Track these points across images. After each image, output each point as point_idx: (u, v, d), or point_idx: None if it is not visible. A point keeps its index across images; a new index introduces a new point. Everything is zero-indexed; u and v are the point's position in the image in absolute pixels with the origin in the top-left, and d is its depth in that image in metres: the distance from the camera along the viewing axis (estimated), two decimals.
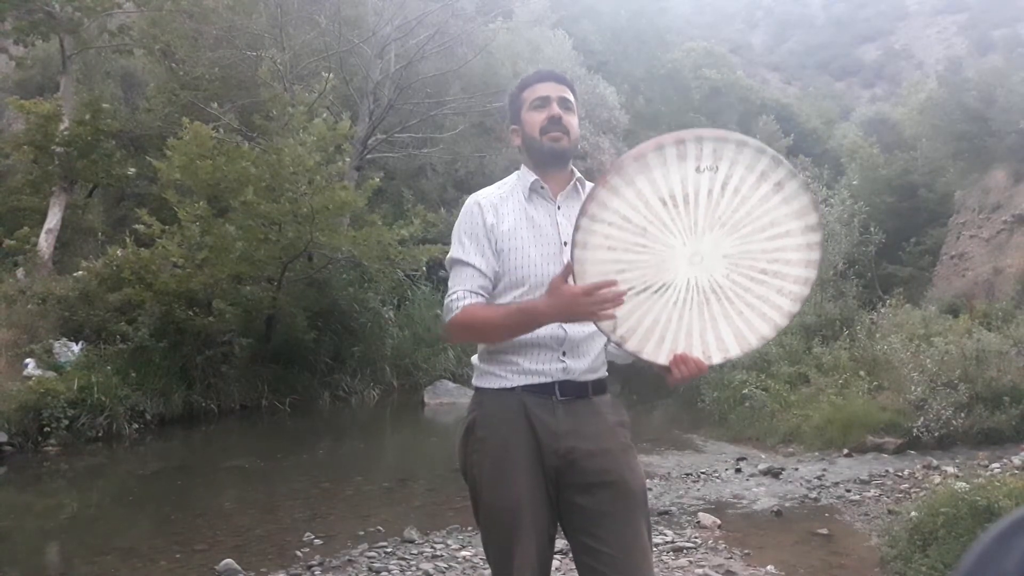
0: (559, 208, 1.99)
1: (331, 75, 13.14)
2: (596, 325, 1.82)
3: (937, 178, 18.24)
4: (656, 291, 1.79)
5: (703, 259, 1.78)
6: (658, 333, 1.82)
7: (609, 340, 1.89)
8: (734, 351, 1.85)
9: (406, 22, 15.33)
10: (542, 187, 2.00)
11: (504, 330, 1.90)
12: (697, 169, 1.72)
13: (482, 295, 1.93)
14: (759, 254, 1.79)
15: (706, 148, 1.71)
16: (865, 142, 20.85)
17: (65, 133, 11.51)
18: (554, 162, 2.01)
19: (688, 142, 1.71)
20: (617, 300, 1.73)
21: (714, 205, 1.75)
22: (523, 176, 2.03)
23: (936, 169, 18.07)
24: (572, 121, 2.01)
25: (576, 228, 1.75)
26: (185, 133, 10.47)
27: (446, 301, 1.96)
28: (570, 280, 1.78)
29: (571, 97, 2.03)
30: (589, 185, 1.95)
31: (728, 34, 55.75)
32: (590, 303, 1.73)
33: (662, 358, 1.83)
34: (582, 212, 1.75)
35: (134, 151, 13.63)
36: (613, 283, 1.72)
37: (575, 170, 2.06)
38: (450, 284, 1.97)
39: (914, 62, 50.55)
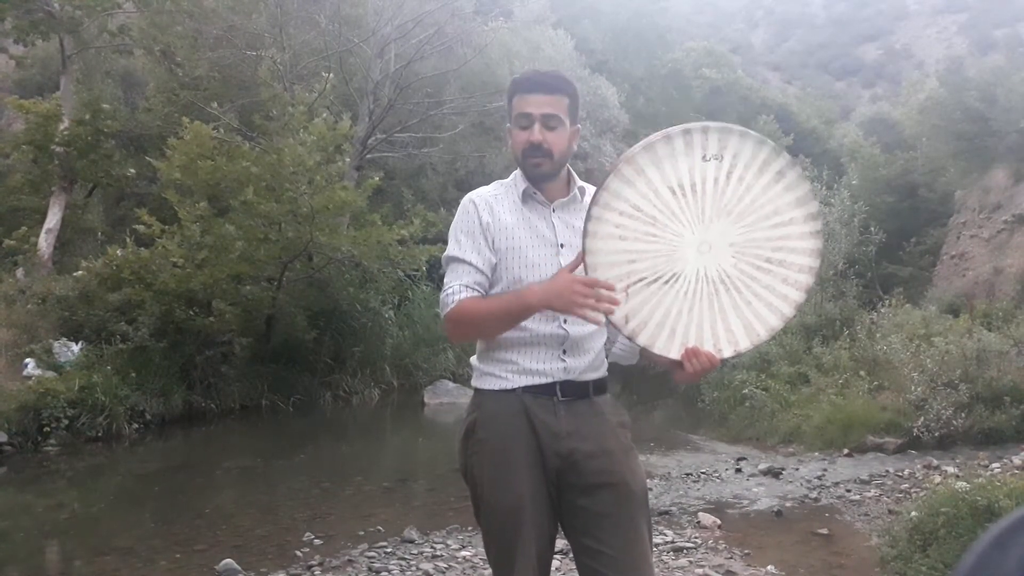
0: (554, 211, 1.99)
1: (331, 75, 13.14)
2: (608, 319, 1.82)
3: (937, 178, 18.22)
4: (667, 281, 1.81)
5: (711, 248, 1.81)
6: (669, 326, 1.83)
7: (620, 334, 1.89)
8: (744, 344, 1.86)
9: (406, 22, 15.33)
10: (534, 193, 2.00)
11: (499, 317, 1.89)
12: (703, 158, 1.77)
13: (477, 290, 1.93)
14: (764, 242, 1.82)
15: (711, 138, 1.77)
16: (865, 142, 20.85)
17: (65, 133, 11.51)
18: (540, 182, 1.99)
19: (694, 132, 1.76)
20: (611, 304, 1.74)
21: (720, 193, 1.79)
22: (518, 182, 2.02)
23: (936, 169, 18.05)
24: (556, 140, 1.94)
25: (588, 218, 1.78)
26: (185, 133, 10.47)
27: (441, 297, 1.96)
28: (579, 271, 1.80)
29: (559, 110, 1.93)
30: (591, 190, 1.95)
31: (728, 34, 55.76)
32: (584, 294, 1.74)
33: (674, 352, 1.84)
34: (594, 202, 1.78)
35: (134, 151, 13.63)
36: (612, 287, 1.75)
37: (576, 178, 2.04)
38: (446, 281, 1.97)
39: (914, 62, 50.55)
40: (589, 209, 1.78)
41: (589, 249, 1.77)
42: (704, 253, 1.81)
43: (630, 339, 1.85)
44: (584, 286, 1.75)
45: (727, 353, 1.86)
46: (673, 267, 1.81)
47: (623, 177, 1.77)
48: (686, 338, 1.83)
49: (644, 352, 1.94)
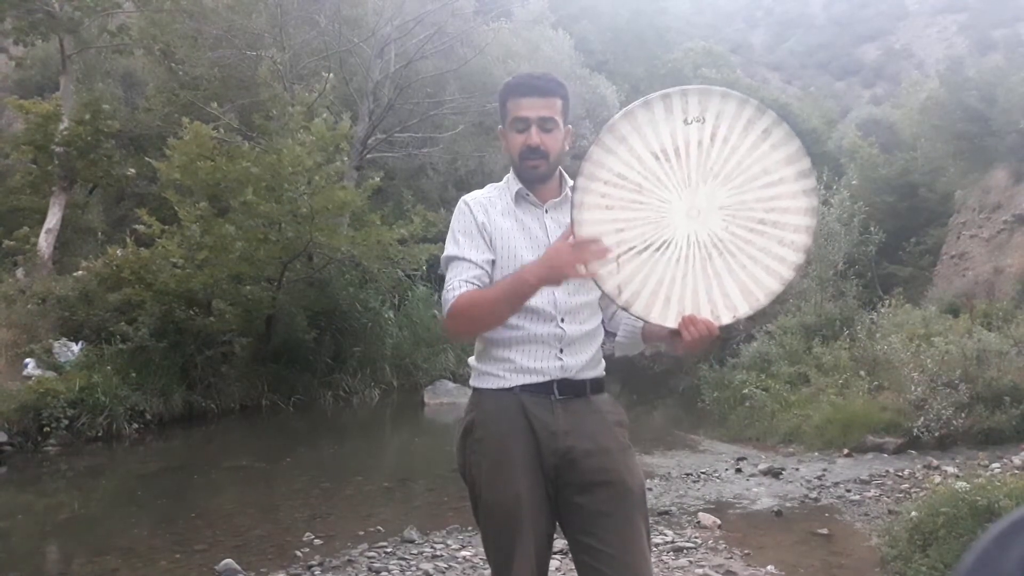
0: (546, 212, 2.01)
1: (331, 75, 13.15)
2: (600, 288, 1.81)
3: (937, 178, 18.21)
4: (657, 249, 1.79)
5: (700, 213, 1.78)
6: (663, 294, 1.80)
7: (615, 306, 1.88)
8: (743, 309, 1.83)
9: (405, 22, 15.33)
10: (527, 195, 2.02)
11: (500, 300, 1.89)
12: (685, 121, 1.75)
13: (477, 284, 1.94)
14: (755, 203, 1.79)
15: (691, 100, 1.75)
16: (865, 142, 20.83)
17: (64, 133, 11.50)
18: (535, 184, 2.02)
19: (674, 96, 1.75)
20: (603, 254, 1.74)
21: (705, 156, 1.76)
22: (511, 184, 2.04)
23: (936, 169, 18.03)
24: (553, 142, 1.97)
25: (574, 189, 1.77)
26: (185, 133, 10.47)
27: (443, 294, 1.97)
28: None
29: (554, 112, 1.96)
30: None
31: (728, 34, 55.73)
32: (575, 253, 1.74)
33: (670, 320, 1.82)
34: (579, 173, 1.77)
35: (134, 151, 13.62)
36: (600, 241, 1.74)
37: (567, 178, 2.05)
38: (446, 279, 1.99)
39: (914, 62, 50.52)
40: (576, 180, 1.78)
41: (576, 220, 1.76)
42: (694, 218, 1.78)
43: (625, 309, 1.83)
44: (572, 247, 1.75)
45: (726, 319, 1.82)
46: (662, 234, 1.78)
47: (605, 146, 1.75)
48: (682, 306, 1.80)
49: (645, 328, 1.93)
